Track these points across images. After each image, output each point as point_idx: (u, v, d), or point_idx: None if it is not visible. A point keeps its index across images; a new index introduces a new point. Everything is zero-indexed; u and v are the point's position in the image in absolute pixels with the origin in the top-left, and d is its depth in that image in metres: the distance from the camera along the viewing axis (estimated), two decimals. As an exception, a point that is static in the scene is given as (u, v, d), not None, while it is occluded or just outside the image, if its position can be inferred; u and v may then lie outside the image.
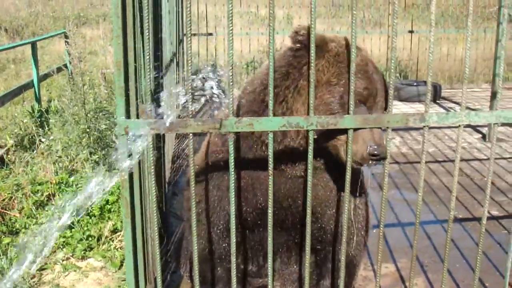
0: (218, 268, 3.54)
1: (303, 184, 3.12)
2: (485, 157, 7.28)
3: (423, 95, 10.90)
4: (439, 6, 15.50)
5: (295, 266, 3.61)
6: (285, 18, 17.26)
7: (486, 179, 6.27)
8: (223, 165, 3.03)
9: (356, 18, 2.34)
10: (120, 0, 2.12)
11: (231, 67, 2.23)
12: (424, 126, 2.51)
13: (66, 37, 11.48)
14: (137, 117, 2.26)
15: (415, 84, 11.26)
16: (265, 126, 2.24)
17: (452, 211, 2.78)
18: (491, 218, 5.13)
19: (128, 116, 2.23)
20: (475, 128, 8.94)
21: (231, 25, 2.20)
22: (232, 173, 2.33)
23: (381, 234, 2.73)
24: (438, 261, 4.40)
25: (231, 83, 2.22)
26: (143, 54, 2.43)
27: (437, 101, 10.96)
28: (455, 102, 10.97)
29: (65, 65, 11.49)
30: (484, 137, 8.32)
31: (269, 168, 2.34)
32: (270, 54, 2.22)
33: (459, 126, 2.57)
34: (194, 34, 10.86)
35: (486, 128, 8.36)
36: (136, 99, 2.29)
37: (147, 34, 2.15)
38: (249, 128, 2.23)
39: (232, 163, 2.31)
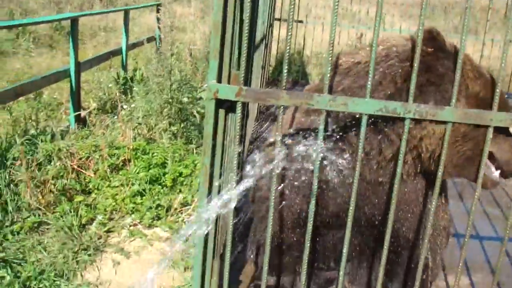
0: (286, 257, 3.45)
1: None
2: None
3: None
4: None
5: (365, 268, 3.48)
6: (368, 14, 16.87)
7: None
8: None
9: (469, 21, 2.17)
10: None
11: (331, 47, 2.12)
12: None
13: (159, 8, 11.65)
14: (228, 82, 2.18)
15: (506, 96, 10.77)
16: (361, 108, 2.11)
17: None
18: None
19: (219, 80, 2.15)
20: None
21: (336, 9, 2.08)
22: (318, 156, 2.22)
23: (465, 243, 2.54)
24: (516, 280, 4.16)
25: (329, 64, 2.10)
26: (240, 21, 2.35)
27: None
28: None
29: (154, 38, 11.67)
30: None
31: (359, 155, 2.22)
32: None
33: None
34: (284, 20, 10.75)
35: None
36: (229, 65, 2.20)
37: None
38: (343, 108, 2.11)
39: (320, 144, 2.21)
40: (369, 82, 2.10)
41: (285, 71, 2.08)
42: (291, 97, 2.08)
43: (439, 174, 2.36)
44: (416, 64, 2.11)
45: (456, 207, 5.53)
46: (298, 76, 11.24)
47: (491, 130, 2.29)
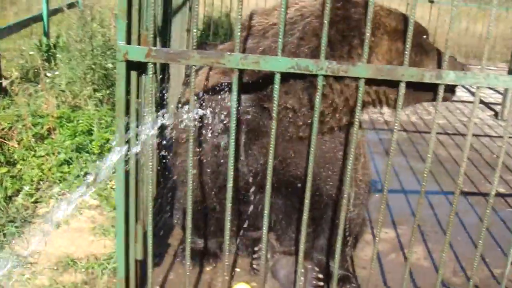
0: (211, 219, 3.47)
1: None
2: (496, 135, 7.14)
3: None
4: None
5: (291, 226, 3.53)
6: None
7: (495, 156, 6.22)
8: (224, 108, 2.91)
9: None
10: None
11: (241, 4, 2.10)
12: (440, 84, 2.37)
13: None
14: (139, 44, 2.13)
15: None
16: (272, 66, 2.11)
17: (461, 177, 2.64)
18: (498, 195, 5.03)
19: (128, 41, 2.10)
20: (487, 105, 8.78)
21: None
22: (234, 116, 2.21)
23: (384, 197, 2.60)
24: (439, 231, 4.32)
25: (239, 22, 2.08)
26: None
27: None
28: (470, 78, 10.74)
29: (77, 3, 11.30)
30: (496, 114, 8.16)
31: (273, 115, 2.23)
32: None
33: (477, 88, 2.44)
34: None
35: (499, 106, 8.19)
36: (139, 26, 2.15)
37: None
38: (255, 66, 2.10)
39: (235, 105, 2.20)
40: (280, 40, 2.09)
41: (194, 30, 2.05)
42: (202, 56, 2.06)
43: (356, 127, 2.40)
44: (326, 20, 2.11)
45: (383, 163, 5.67)
46: (226, 39, 11.16)
47: (403, 85, 2.34)
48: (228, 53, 2.07)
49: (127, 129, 2.26)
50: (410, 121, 7.42)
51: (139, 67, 2.19)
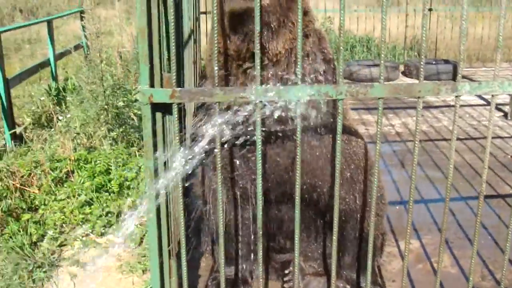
0: (240, 244, 3.50)
1: (320, 158, 3.08)
2: (508, 135, 7.17)
3: (442, 73, 10.75)
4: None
5: (315, 243, 3.57)
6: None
7: (510, 156, 6.25)
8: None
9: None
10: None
11: (258, 38, 2.16)
12: (456, 96, 2.42)
13: (82, 15, 11.43)
14: (161, 86, 2.20)
15: (433, 62, 11.08)
16: (294, 95, 2.17)
17: (484, 185, 2.68)
18: (515, 195, 5.07)
19: (152, 84, 2.17)
20: (496, 106, 8.80)
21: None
22: (259, 140, 2.27)
23: (410, 208, 2.64)
24: (462, 237, 4.33)
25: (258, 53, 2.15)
26: (165, 23, 2.37)
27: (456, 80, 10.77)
28: (475, 81, 10.76)
29: (81, 45, 11.47)
30: (506, 115, 8.18)
31: (297, 141, 2.28)
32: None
33: (492, 96, 2.49)
34: (209, 12, 10.73)
35: (508, 107, 8.21)
36: (160, 68, 2.22)
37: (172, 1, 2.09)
38: (277, 96, 2.16)
39: (259, 134, 2.25)
40: (298, 69, 2.16)
41: (216, 67, 2.11)
42: (225, 92, 2.12)
43: (378, 146, 2.44)
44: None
45: (399, 175, 5.71)
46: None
47: (420, 100, 2.39)
48: (250, 86, 2.14)
49: (155, 168, 2.31)
50: (421, 130, 7.45)
51: (163, 108, 2.25)
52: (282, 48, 2.82)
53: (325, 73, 2.99)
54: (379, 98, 2.30)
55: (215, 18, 2.25)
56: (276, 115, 2.41)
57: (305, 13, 2.97)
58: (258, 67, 2.16)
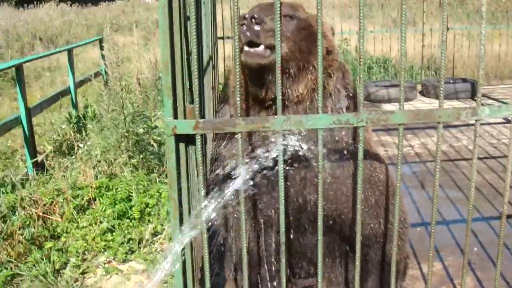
0: (262, 270, 3.51)
1: (344, 185, 3.08)
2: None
3: (460, 92, 10.72)
4: (473, 3, 15.26)
5: (339, 268, 3.56)
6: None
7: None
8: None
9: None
10: (167, 0, 2.10)
11: (279, 63, 2.20)
12: (476, 120, 2.43)
13: (101, 43, 11.59)
14: (184, 117, 2.24)
15: (451, 81, 11.05)
16: (315, 124, 2.20)
17: (505, 206, 2.67)
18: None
19: (175, 116, 2.21)
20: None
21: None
22: (282, 169, 2.29)
23: (432, 231, 2.64)
24: (485, 258, 4.30)
25: (279, 82, 2.18)
26: (187, 54, 2.41)
27: (474, 98, 10.75)
28: (493, 99, 10.73)
29: (100, 73, 11.63)
30: (525, 133, 8.13)
31: (319, 166, 2.30)
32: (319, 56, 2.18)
33: (513, 119, 2.50)
34: (228, 37, 10.84)
35: (527, 124, 8.16)
36: (183, 98, 2.26)
37: (194, 33, 2.13)
38: (299, 125, 2.19)
39: (282, 162, 2.28)
40: (319, 97, 2.19)
41: (238, 99, 2.14)
42: (247, 123, 2.15)
43: (399, 166, 2.46)
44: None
45: (420, 196, 5.69)
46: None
47: (441, 126, 2.41)
48: (272, 116, 2.17)
49: (180, 198, 2.34)
50: (441, 150, 7.42)
51: (186, 139, 2.29)
52: (304, 89, 2.82)
53: (348, 109, 2.99)
54: (399, 124, 2.32)
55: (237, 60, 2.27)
56: (298, 145, 2.44)
57: (329, 52, 2.98)
58: (279, 97, 2.19)
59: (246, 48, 2.61)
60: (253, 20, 2.56)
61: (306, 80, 2.82)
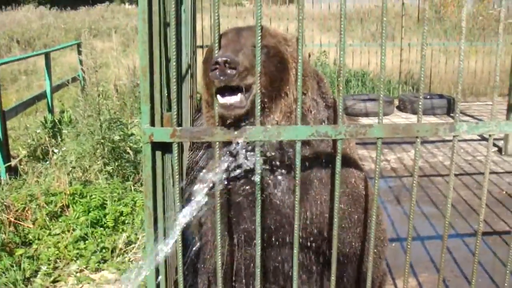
0: (236, 284, 3.47)
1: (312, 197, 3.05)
2: (502, 171, 7.19)
3: (437, 108, 10.82)
4: (451, 19, 15.45)
5: (315, 285, 3.53)
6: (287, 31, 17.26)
7: (504, 192, 6.26)
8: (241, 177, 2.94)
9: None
10: (147, 5, 2.07)
11: (259, 73, 2.19)
12: (454, 136, 2.44)
13: (79, 48, 11.49)
14: (162, 125, 2.21)
15: (428, 97, 11.15)
16: (293, 135, 2.18)
17: (481, 223, 2.67)
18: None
19: (152, 123, 2.17)
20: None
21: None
22: (259, 183, 2.26)
23: (408, 247, 2.63)
24: (459, 275, 4.32)
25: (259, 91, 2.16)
26: (165, 61, 2.39)
27: (451, 114, 10.86)
28: (469, 115, 10.84)
29: (78, 78, 11.52)
30: (500, 150, 8.22)
31: (296, 178, 2.28)
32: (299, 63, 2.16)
33: (490, 136, 2.51)
34: (206, 46, 10.84)
35: (502, 141, 8.26)
36: (161, 106, 2.23)
37: (174, 38, 2.10)
38: (277, 136, 2.17)
39: (259, 173, 2.25)
40: (298, 109, 2.17)
41: (217, 107, 2.12)
42: (225, 132, 2.13)
43: (377, 181, 2.44)
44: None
45: (395, 211, 5.70)
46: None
47: (419, 140, 2.41)
48: (250, 127, 2.15)
49: (155, 207, 2.30)
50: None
51: (163, 147, 2.25)
52: (280, 116, 2.70)
53: (329, 120, 2.96)
54: (378, 138, 2.31)
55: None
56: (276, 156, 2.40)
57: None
58: (259, 107, 2.17)
59: (221, 99, 2.42)
60: (227, 65, 2.44)
61: (280, 107, 2.72)
